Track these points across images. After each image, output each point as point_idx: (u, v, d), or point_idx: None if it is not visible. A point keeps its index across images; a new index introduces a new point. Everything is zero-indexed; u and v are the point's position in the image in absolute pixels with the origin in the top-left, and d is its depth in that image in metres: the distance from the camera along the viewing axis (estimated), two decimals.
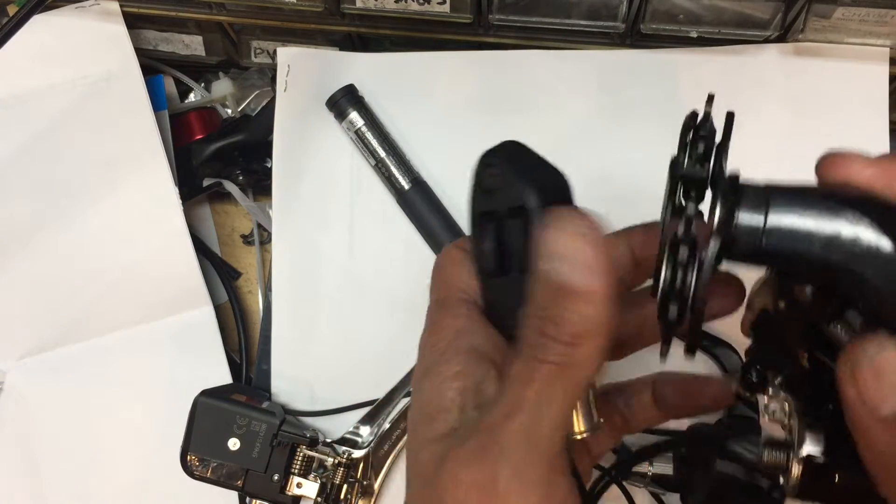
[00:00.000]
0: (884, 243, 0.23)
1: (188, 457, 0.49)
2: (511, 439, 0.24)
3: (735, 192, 0.25)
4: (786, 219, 0.24)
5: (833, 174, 0.27)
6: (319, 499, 0.50)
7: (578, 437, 0.29)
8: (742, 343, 0.32)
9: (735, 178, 0.26)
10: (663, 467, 0.49)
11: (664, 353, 0.27)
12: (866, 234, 0.23)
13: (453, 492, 0.25)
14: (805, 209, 0.24)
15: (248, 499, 0.51)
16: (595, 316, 0.25)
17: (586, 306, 0.24)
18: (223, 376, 0.54)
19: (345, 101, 0.53)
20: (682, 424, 0.49)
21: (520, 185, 0.27)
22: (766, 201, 0.24)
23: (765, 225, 0.24)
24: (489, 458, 0.24)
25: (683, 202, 0.27)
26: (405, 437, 0.50)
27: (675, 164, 0.27)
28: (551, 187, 0.28)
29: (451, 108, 0.55)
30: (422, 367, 0.30)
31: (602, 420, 0.29)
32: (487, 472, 0.24)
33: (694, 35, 0.50)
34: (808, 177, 0.39)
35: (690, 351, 0.27)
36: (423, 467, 0.27)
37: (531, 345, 0.25)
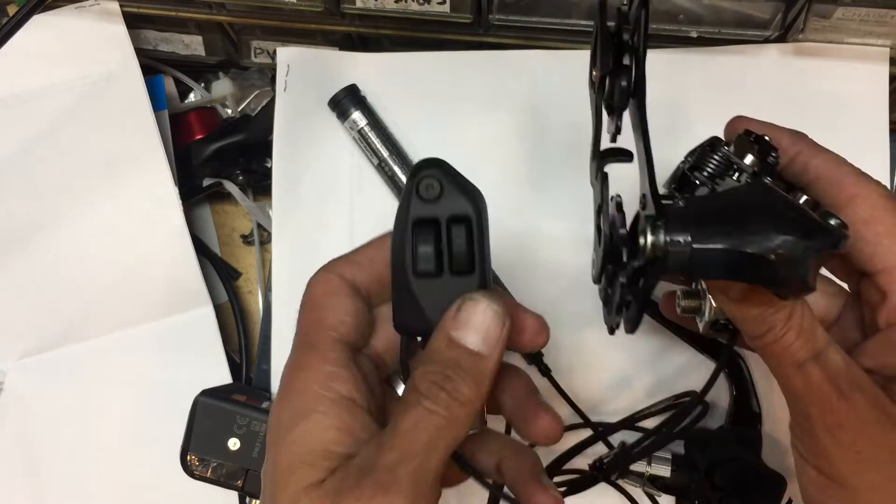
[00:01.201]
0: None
1: (188, 457, 0.49)
2: (407, 479, 0.27)
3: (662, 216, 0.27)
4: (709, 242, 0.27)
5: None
6: None
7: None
8: None
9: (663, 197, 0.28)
10: (661, 469, 0.49)
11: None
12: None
13: None
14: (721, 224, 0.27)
15: (248, 499, 0.51)
16: (486, 384, 0.29)
17: (482, 374, 0.29)
18: (223, 376, 0.54)
19: (347, 100, 0.53)
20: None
21: (462, 197, 0.31)
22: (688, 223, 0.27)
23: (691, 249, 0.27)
24: (390, 494, 0.27)
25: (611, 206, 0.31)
26: None
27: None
28: (479, 203, 0.31)
29: (451, 107, 0.55)
30: (291, 410, 0.30)
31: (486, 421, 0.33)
32: None
33: (694, 35, 0.50)
34: None
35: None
36: None
37: (425, 395, 0.29)
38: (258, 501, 0.51)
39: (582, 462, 0.49)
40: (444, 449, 0.29)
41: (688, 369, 0.52)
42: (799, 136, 0.36)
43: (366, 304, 0.33)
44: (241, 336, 0.57)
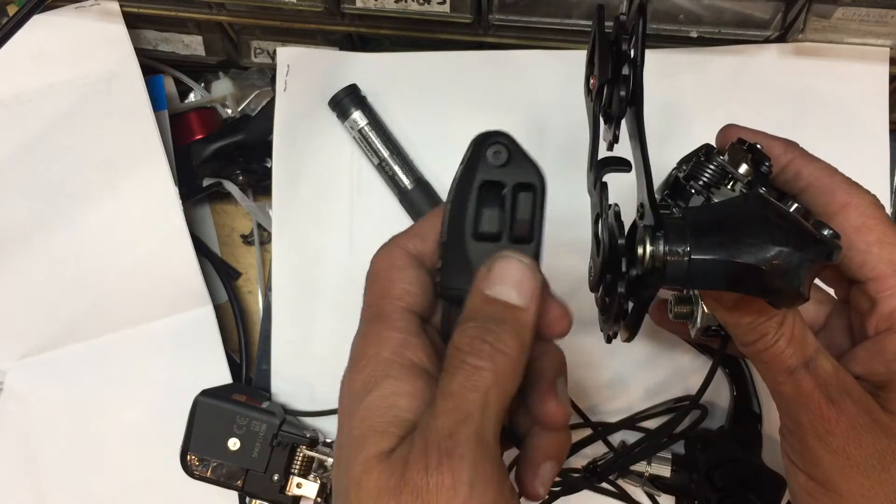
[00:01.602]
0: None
1: (188, 457, 0.49)
2: (467, 443, 0.27)
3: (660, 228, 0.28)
4: (706, 251, 0.27)
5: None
6: (319, 499, 0.50)
7: None
8: None
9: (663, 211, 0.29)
10: (661, 469, 0.49)
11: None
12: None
13: (425, 496, 0.26)
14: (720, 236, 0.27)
15: (248, 499, 0.51)
16: (527, 336, 0.29)
17: (522, 326, 0.29)
18: (223, 376, 0.54)
19: (347, 100, 0.53)
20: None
21: (530, 167, 0.31)
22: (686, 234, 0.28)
23: (689, 260, 0.27)
24: (454, 460, 0.26)
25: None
26: None
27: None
28: (543, 175, 0.32)
29: (451, 107, 0.55)
30: (362, 378, 0.30)
31: None
32: (456, 474, 0.26)
33: (694, 35, 0.50)
34: None
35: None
36: (378, 481, 0.27)
37: (467, 351, 0.28)
38: (258, 502, 0.51)
39: (582, 461, 0.49)
40: (498, 406, 0.28)
41: (689, 370, 0.52)
42: (791, 145, 0.36)
43: (430, 275, 0.33)
44: (241, 336, 0.57)
